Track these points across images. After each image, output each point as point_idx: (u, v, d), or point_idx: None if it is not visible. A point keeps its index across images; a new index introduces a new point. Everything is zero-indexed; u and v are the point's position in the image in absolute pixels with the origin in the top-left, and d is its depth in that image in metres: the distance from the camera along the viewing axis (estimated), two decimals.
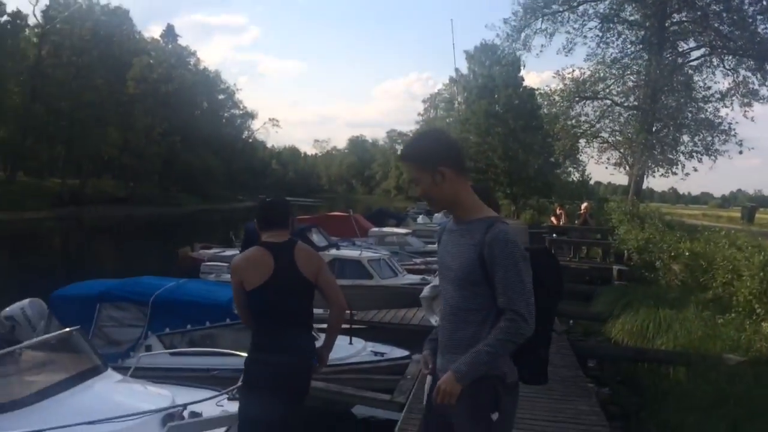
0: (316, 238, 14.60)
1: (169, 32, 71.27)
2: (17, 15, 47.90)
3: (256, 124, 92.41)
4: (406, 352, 8.15)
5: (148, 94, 57.96)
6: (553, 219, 22.88)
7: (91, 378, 4.99)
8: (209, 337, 7.49)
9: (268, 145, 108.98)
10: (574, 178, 39.67)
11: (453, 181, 2.66)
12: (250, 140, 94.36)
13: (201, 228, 39.13)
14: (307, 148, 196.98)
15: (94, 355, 5.40)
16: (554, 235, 20.38)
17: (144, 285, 8.09)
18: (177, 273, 13.08)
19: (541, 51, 29.86)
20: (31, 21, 50.67)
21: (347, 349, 8.07)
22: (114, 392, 5.02)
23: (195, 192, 66.49)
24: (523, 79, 47.91)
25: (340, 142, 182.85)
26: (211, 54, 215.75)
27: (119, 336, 7.63)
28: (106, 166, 61.09)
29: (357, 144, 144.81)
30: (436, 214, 22.10)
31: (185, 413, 4.65)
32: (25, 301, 8.10)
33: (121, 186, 59.56)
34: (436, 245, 2.94)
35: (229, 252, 17.19)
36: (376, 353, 8.17)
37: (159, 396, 5.04)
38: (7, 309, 8.04)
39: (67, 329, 5.46)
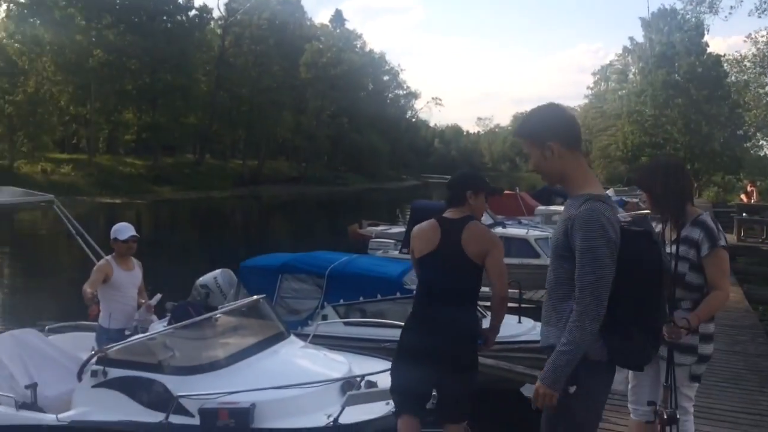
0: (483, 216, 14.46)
1: (337, 17, 74.08)
2: (204, 9, 52.27)
3: (419, 104, 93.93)
4: None
5: (318, 78, 60.63)
6: (743, 197, 20.86)
7: (276, 343, 5.34)
8: (380, 309, 7.75)
9: (431, 125, 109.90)
10: (767, 152, 35.86)
11: (562, 156, 2.67)
12: (414, 120, 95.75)
13: (367, 206, 40.40)
14: (470, 127, 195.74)
15: (278, 322, 5.78)
16: (744, 214, 18.58)
17: (320, 258, 8.53)
18: (346, 248, 13.66)
19: (729, 13, 27.12)
20: (216, 14, 55.03)
21: (516, 328, 7.96)
22: (297, 357, 5.34)
23: (361, 171, 68.82)
24: (707, 45, 44.06)
25: (504, 119, 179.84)
26: (377, 36, 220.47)
27: (298, 305, 8.12)
28: (281, 148, 65.04)
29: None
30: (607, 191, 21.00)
31: (362, 382, 4.84)
32: (217, 271, 8.87)
33: (294, 166, 63.12)
34: None
35: (395, 229, 17.61)
36: None
37: (337, 363, 5.28)
38: (202, 278, 8.86)
39: (256, 297, 5.87)
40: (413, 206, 14.73)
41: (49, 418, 4.67)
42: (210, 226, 30.00)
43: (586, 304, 2.47)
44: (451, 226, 3.61)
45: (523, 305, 8.92)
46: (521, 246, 13.19)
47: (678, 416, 3.06)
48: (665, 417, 3.02)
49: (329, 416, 4.33)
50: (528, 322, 8.22)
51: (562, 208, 21.88)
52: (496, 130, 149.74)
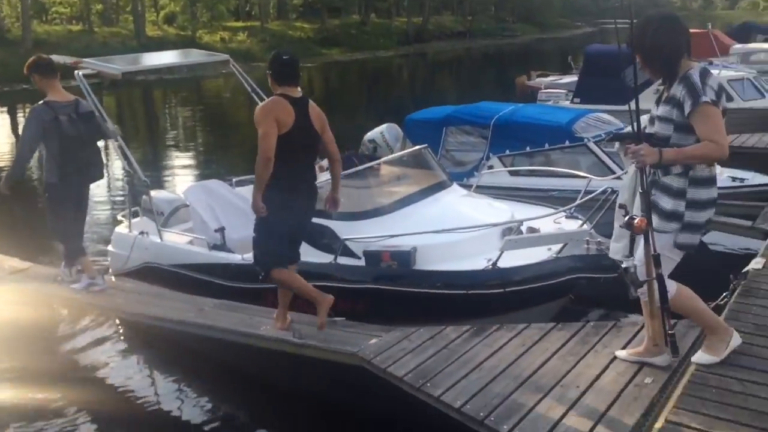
0: None
1: None
2: None
3: None
4: None
5: None
6: None
7: (439, 191, 5.36)
8: (548, 158, 7.47)
9: None
10: None
11: None
12: None
13: (537, 57, 38.31)
14: None
15: (441, 171, 5.77)
16: None
17: (485, 109, 8.28)
18: (515, 101, 13.12)
19: None
20: None
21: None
22: (458, 204, 5.35)
23: (531, 21, 64.81)
24: None
25: None
26: None
27: (463, 157, 8.06)
28: (446, 3, 62.64)
29: None
30: None
31: (523, 228, 4.76)
32: (384, 126, 8.91)
33: (460, 20, 60.84)
34: None
35: (566, 79, 16.56)
36: (734, 179, 7.28)
37: (499, 210, 5.23)
38: (369, 133, 9.01)
39: (417, 146, 5.88)
40: (588, 51, 13.65)
41: (235, 258, 5.16)
42: (377, 85, 30.33)
43: None
44: (297, 104, 4.00)
45: None
46: None
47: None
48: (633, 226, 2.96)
49: (489, 260, 4.33)
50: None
51: (765, 45, 19.36)
52: None
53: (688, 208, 3.04)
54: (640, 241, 3.03)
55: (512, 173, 7.38)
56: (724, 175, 7.37)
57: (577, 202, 5.13)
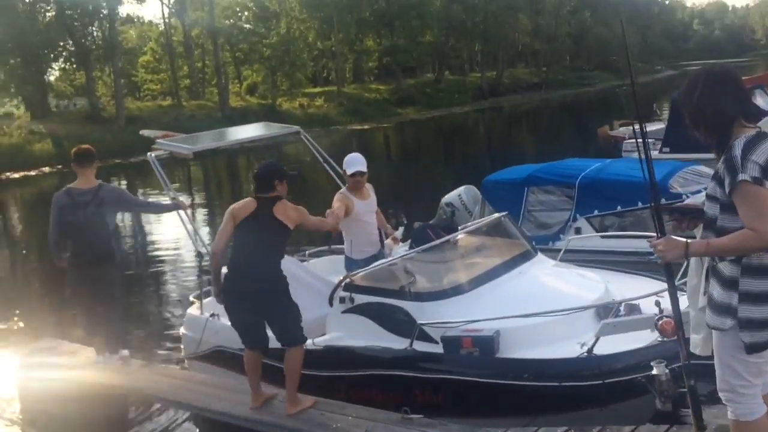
0: (761, 101, 12.24)
1: None
2: None
3: None
4: None
5: None
6: None
7: (522, 263, 4.91)
8: (641, 218, 6.87)
9: (688, 4, 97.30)
10: None
11: None
12: (667, 2, 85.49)
13: (617, 105, 37.43)
14: (737, 0, 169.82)
15: (524, 240, 5.33)
16: None
17: (569, 167, 7.82)
18: (597, 154, 12.50)
19: None
20: None
21: None
22: (545, 278, 4.88)
23: (608, 68, 63.76)
24: None
25: None
26: None
27: (548, 219, 7.55)
28: (519, 56, 62.66)
29: None
30: None
31: (621, 306, 4.24)
32: (461, 188, 8.60)
33: (534, 72, 60.55)
34: None
35: (652, 127, 15.77)
36: None
37: (592, 283, 4.72)
38: (447, 196, 8.68)
39: (497, 214, 5.48)
40: (674, 98, 12.98)
41: (306, 343, 4.85)
42: (453, 143, 30.18)
43: None
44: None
45: None
46: None
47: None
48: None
49: (583, 345, 3.83)
50: None
51: None
52: None
53: (741, 302, 2.50)
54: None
55: (603, 236, 6.81)
56: None
57: (681, 270, 4.56)
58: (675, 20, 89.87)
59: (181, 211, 5.54)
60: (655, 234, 2.73)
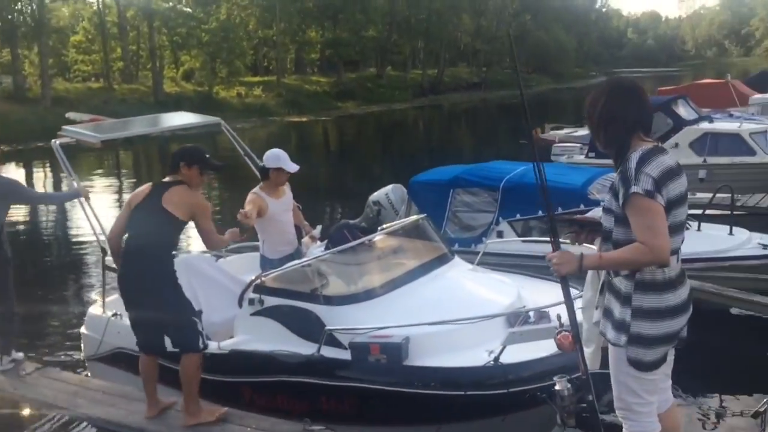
0: (683, 111, 12.67)
1: None
2: None
3: None
4: None
5: None
6: None
7: (438, 267, 4.85)
8: (562, 224, 6.93)
9: (624, 13, 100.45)
10: None
11: None
12: (604, 9, 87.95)
13: (553, 108, 38.19)
14: (670, 11, 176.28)
15: (441, 243, 5.28)
16: None
17: (495, 170, 7.84)
18: (530, 155, 12.63)
19: None
20: None
21: (727, 241, 6.76)
22: (459, 283, 4.82)
23: (546, 71, 65.16)
24: None
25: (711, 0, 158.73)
26: None
27: (471, 221, 7.58)
28: (461, 55, 63.25)
29: None
30: None
31: (531, 314, 4.22)
32: (389, 187, 8.52)
33: (475, 72, 61.25)
34: None
35: (581, 132, 16.15)
36: (765, 246, 6.68)
37: (505, 289, 4.70)
38: (375, 194, 8.58)
39: (414, 217, 5.41)
40: None
41: (211, 346, 4.65)
42: (391, 139, 30.17)
43: None
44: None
45: (735, 212, 7.59)
46: (732, 142, 11.43)
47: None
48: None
49: (490, 353, 3.79)
50: (741, 233, 6.96)
51: None
52: (702, 11, 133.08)
53: (633, 317, 2.51)
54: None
55: (524, 241, 6.85)
56: (753, 242, 6.81)
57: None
58: (611, 28, 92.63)
59: (83, 199, 5.19)
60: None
